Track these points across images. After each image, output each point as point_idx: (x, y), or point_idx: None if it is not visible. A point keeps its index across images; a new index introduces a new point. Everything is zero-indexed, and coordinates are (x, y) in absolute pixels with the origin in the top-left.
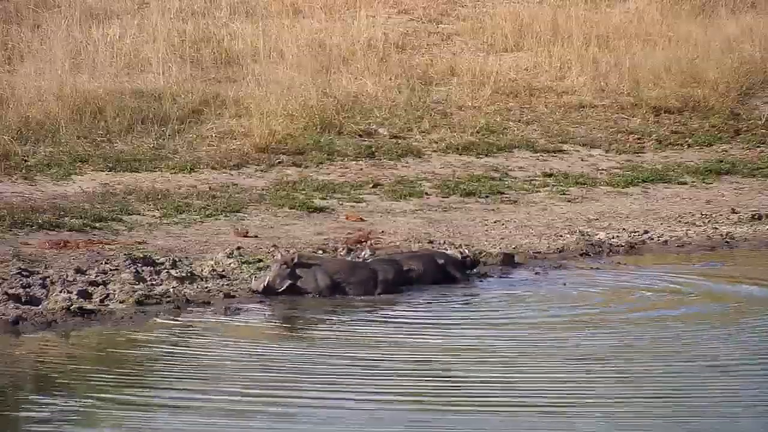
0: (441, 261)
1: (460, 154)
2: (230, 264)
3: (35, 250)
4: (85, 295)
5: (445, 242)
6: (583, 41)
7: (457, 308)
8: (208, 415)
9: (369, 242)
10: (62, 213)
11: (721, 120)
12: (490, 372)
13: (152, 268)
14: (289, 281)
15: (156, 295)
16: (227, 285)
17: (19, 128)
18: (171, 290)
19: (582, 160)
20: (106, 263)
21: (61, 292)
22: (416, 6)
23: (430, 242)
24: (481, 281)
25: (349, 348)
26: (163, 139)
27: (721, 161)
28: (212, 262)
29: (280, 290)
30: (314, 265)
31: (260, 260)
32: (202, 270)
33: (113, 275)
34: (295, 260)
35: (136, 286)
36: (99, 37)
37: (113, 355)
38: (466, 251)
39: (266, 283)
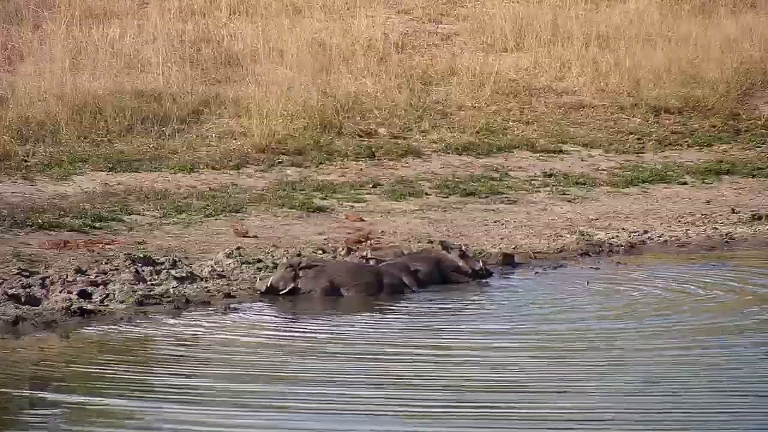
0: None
1: (460, 154)
2: (230, 264)
3: (35, 250)
4: (85, 295)
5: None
6: (583, 41)
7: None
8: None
9: (369, 242)
10: (62, 213)
11: (721, 120)
12: None
13: (152, 268)
14: (293, 284)
15: (156, 295)
16: (227, 285)
17: (19, 128)
18: (171, 290)
19: (582, 160)
20: (106, 263)
21: (61, 292)
22: (416, 6)
23: (430, 242)
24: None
25: None
26: (163, 139)
27: (721, 161)
28: (212, 262)
29: (282, 292)
30: (318, 268)
31: (260, 260)
32: (202, 270)
33: (113, 275)
34: (302, 264)
35: (136, 287)
36: (99, 37)
37: (113, 355)
38: (476, 262)
39: (269, 284)
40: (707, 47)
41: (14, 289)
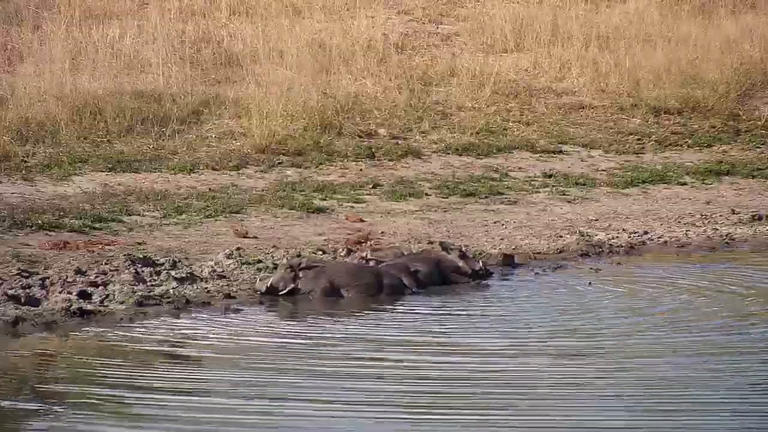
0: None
1: (460, 155)
2: (230, 265)
3: (35, 250)
4: (84, 295)
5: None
6: (583, 42)
7: None
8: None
9: (369, 243)
10: (62, 213)
11: (720, 121)
12: None
13: (152, 269)
14: (293, 284)
15: (156, 295)
16: (227, 285)
17: (19, 128)
18: (171, 291)
19: (582, 160)
20: (105, 264)
21: (60, 292)
22: (416, 6)
23: (430, 243)
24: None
25: None
26: (163, 140)
27: (721, 162)
28: (212, 263)
29: (282, 292)
30: (318, 269)
31: (260, 261)
32: (201, 271)
33: (113, 276)
34: (302, 264)
35: (135, 287)
36: (99, 37)
37: (113, 356)
38: (476, 262)
39: (269, 284)
40: (707, 48)
41: (14, 290)
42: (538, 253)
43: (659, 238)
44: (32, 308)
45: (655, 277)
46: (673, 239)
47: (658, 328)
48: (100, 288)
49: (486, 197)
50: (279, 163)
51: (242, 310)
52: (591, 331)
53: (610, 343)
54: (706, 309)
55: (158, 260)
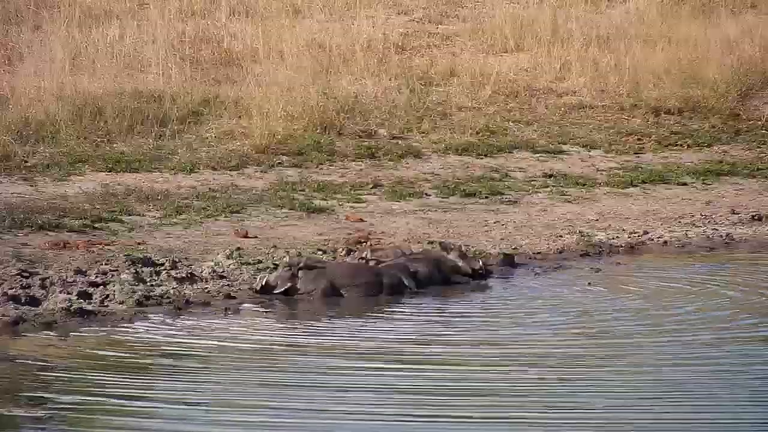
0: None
1: (460, 155)
2: (230, 265)
3: (35, 250)
4: (84, 295)
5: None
6: (583, 42)
7: None
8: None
9: (369, 243)
10: (62, 214)
11: (721, 120)
12: None
13: (152, 269)
14: (289, 283)
15: (156, 296)
16: (227, 286)
17: (19, 128)
18: (171, 291)
19: (582, 160)
20: (105, 264)
21: (60, 292)
22: (416, 7)
23: (430, 243)
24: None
25: None
26: (163, 140)
27: (721, 162)
28: (212, 263)
29: (277, 291)
30: (318, 269)
31: (260, 261)
32: (201, 271)
33: (113, 276)
34: (301, 264)
35: (135, 287)
36: (99, 37)
37: (113, 356)
38: (476, 262)
39: (264, 282)
40: (707, 48)
41: (14, 290)
42: (538, 253)
43: (659, 238)
44: (32, 308)
45: (656, 276)
46: (673, 239)
47: (662, 330)
48: (100, 288)
49: (486, 197)
50: (279, 163)
51: (242, 310)
52: (593, 331)
53: (612, 345)
54: (707, 309)
55: (158, 260)
